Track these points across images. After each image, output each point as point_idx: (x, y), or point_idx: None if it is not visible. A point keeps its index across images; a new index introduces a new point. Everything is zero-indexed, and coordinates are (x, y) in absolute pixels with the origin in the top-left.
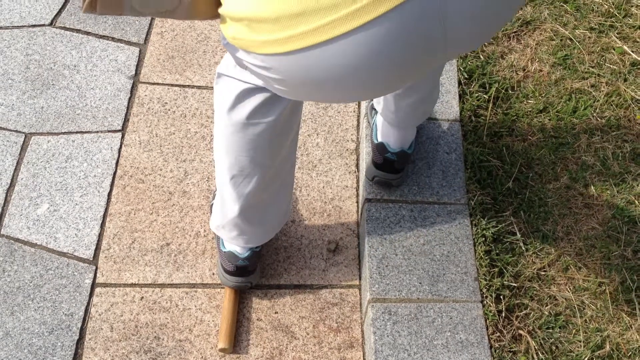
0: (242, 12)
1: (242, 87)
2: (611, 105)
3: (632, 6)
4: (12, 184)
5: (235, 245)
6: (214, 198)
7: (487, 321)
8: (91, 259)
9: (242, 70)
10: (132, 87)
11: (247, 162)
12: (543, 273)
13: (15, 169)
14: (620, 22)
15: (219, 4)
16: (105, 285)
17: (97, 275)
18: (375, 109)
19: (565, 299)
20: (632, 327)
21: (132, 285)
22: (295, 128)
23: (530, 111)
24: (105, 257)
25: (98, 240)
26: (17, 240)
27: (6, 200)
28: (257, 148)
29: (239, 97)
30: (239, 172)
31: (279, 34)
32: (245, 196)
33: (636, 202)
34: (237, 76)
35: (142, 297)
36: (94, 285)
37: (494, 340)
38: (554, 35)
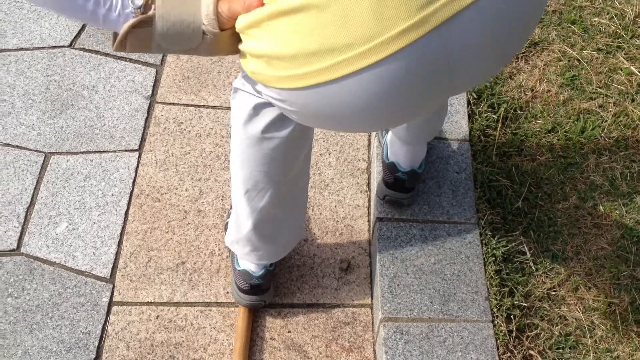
0: (262, 50)
1: (257, 101)
2: (619, 125)
3: (638, 27)
4: (32, 203)
5: (250, 263)
6: (228, 217)
7: (498, 341)
8: (108, 278)
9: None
10: (149, 107)
11: (261, 177)
12: (553, 293)
13: (35, 188)
14: (628, 43)
15: (239, 40)
16: (122, 303)
17: (114, 293)
18: (386, 129)
19: (576, 319)
20: None
21: (148, 303)
22: (308, 143)
23: (538, 131)
24: (122, 275)
25: (115, 259)
26: (37, 258)
27: (26, 219)
28: (271, 162)
29: (254, 110)
30: (253, 186)
31: (296, 70)
32: (259, 211)
33: None
34: (253, 91)
35: (158, 316)
36: (110, 303)
37: None
38: (562, 56)
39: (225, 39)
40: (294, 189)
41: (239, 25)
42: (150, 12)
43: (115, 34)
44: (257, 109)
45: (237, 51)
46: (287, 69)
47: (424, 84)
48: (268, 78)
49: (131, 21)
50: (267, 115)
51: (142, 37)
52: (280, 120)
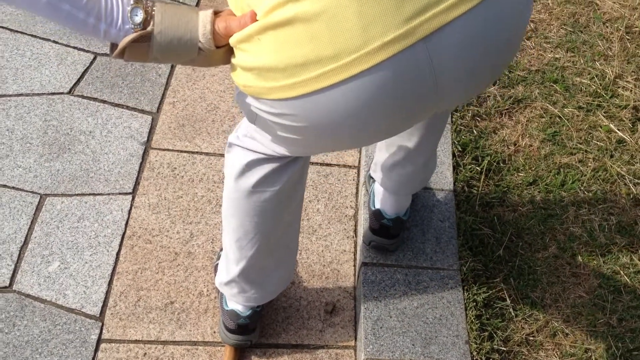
0: (253, 63)
1: (251, 157)
2: (598, 179)
3: (618, 87)
4: (25, 242)
5: (237, 304)
6: (218, 258)
7: None
8: (98, 316)
9: (252, 140)
10: (144, 153)
11: (251, 227)
12: (532, 338)
13: (30, 228)
14: (607, 102)
15: (232, 53)
16: (110, 341)
17: (103, 331)
18: (373, 178)
19: None
20: None
21: (136, 341)
22: (299, 197)
23: (520, 184)
24: (112, 314)
25: (105, 298)
26: (28, 296)
27: (19, 258)
28: (261, 214)
29: (247, 166)
30: (243, 235)
31: (285, 81)
32: (249, 259)
33: (621, 272)
34: (247, 146)
35: (145, 354)
36: (99, 341)
37: None
38: (544, 113)
39: (220, 54)
40: (284, 238)
41: (232, 40)
42: (149, 29)
43: (113, 44)
44: (251, 165)
45: (229, 61)
46: (277, 80)
47: (408, 95)
48: (259, 90)
49: (130, 36)
50: (260, 171)
51: (140, 50)
52: (272, 176)
